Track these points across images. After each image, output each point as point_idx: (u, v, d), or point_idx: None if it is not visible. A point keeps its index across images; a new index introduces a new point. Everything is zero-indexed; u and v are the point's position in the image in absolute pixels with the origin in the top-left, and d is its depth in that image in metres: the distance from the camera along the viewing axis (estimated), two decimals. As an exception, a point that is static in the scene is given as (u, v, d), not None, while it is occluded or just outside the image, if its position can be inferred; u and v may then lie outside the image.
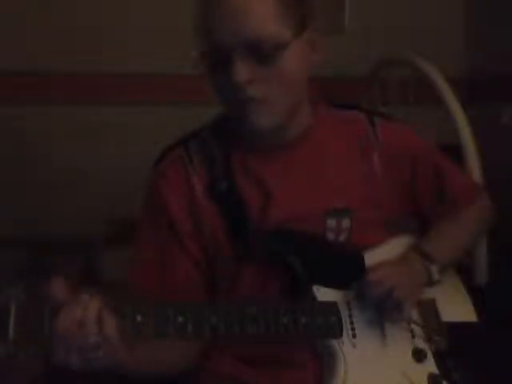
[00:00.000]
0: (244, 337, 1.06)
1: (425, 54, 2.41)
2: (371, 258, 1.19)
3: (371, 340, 1.14)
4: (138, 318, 0.98)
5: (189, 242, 1.16)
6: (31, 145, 2.75)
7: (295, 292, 1.13)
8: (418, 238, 1.27)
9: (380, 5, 3.00)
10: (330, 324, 1.11)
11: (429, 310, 1.21)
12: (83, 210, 2.75)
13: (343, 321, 1.12)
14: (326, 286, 1.13)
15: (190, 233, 1.16)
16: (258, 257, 1.14)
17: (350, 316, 1.13)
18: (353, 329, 1.13)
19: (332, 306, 1.12)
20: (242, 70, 1.06)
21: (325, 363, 1.13)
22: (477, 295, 1.30)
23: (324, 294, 1.13)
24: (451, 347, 1.17)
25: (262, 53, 1.06)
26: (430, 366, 1.16)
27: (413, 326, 1.18)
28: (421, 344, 1.17)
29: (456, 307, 1.25)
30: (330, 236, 1.18)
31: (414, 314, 1.19)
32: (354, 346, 1.12)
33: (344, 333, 1.12)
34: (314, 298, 1.12)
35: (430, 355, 1.16)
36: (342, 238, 1.18)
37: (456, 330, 1.20)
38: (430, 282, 1.19)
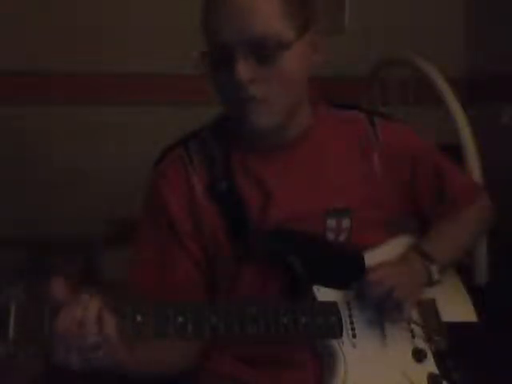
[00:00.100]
0: (244, 337, 1.06)
1: (425, 54, 2.41)
2: (371, 258, 1.19)
3: (371, 340, 1.14)
4: (138, 317, 0.98)
5: (189, 241, 1.16)
6: (31, 145, 2.75)
7: (295, 292, 1.13)
8: (417, 238, 1.27)
9: (380, 5, 3.00)
10: (329, 324, 1.11)
11: (429, 310, 1.21)
12: (83, 210, 2.75)
13: (343, 321, 1.12)
14: (326, 286, 1.13)
15: (190, 233, 1.16)
16: (258, 257, 1.14)
17: (350, 316, 1.13)
18: (353, 329, 1.13)
19: (332, 306, 1.12)
20: (245, 69, 1.06)
21: (325, 363, 1.13)
22: (477, 295, 1.30)
23: (324, 294, 1.13)
24: (451, 347, 1.17)
25: (265, 52, 1.07)
26: (430, 365, 1.16)
27: (413, 325, 1.18)
28: (421, 344, 1.17)
29: (456, 307, 1.25)
30: (330, 236, 1.18)
31: (414, 314, 1.19)
32: (353, 345, 1.12)
33: (344, 333, 1.12)
34: (314, 298, 1.12)
35: (429, 355, 1.16)
36: (341, 238, 1.18)
37: (456, 329, 1.20)
38: (430, 282, 1.19)
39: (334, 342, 1.11)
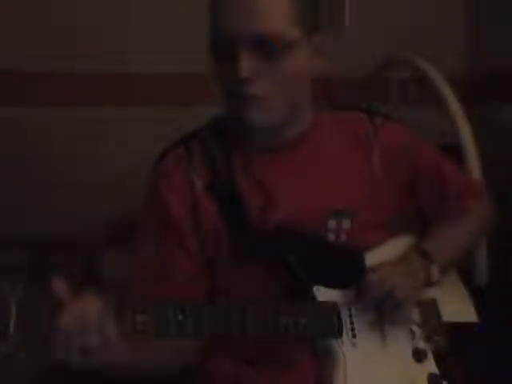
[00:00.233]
0: (244, 337, 1.06)
1: (425, 54, 2.41)
2: (371, 258, 1.19)
3: (371, 340, 1.14)
4: (138, 317, 0.98)
5: (189, 241, 1.16)
6: (31, 145, 2.75)
7: (295, 292, 1.13)
8: (418, 238, 1.27)
9: (380, 5, 3.00)
10: (329, 324, 1.11)
11: (429, 310, 1.21)
12: (83, 210, 2.75)
13: (343, 321, 1.12)
14: (326, 286, 1.13)
15: (189, 233, 1.16)
16: (258, 257, 1.14)
17: (350, 316, 1.13)
18: (353, 329, 1.13)
19: (332, 306, 1.12)
20: (248, 66, 1.06)
21: (325, 363, 1.13)
22: (477, 295, 1.30)
23: (324, 294, 1.13)
24: (451, 347, 1.18)
25: (269, 49, 1.07)
26: (430, 365, 1.16)
27: (413, 326, 1.18)
28: (421, 344, 1.17)
29: (456, 307, 1.25)
30: (331, 236, 1.18)
31: (415, 314, 1.19)
32: (354, 345, 1.12)
33: (344, 333, 1.12)
34: (313, 298, 1.12)
35: (430, 355, 1.16)
36: (342, 238, 1.18)
37: (456, 330, 1.20)
38: (430, 282, 1.19)
39: (334, 342, 1.11)
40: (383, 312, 1.14)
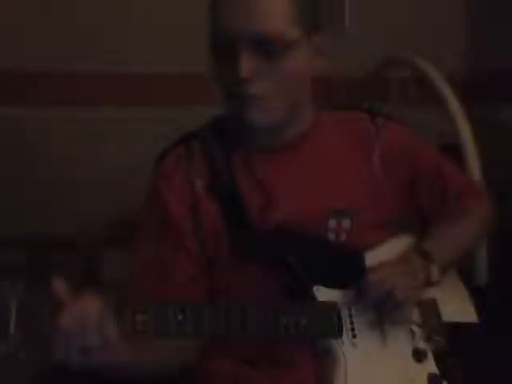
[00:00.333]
0: (244, 337, 1.06)
1: (425, 54, 2.41)
2: (372, 258, 1.19)
3: (371, 340, 1.14)
4: (138, 317, 0.98)
5: (189, 241, 1.16)
6: (31, 145, 2.75)
7: (295, 292, 1.13)
8: (418, 238, 1.27)
9: (380, 5, 3.00)
10: (329, 324, 1.11)
11: (429, 310, 1.21)
12: (83, 210, 2.75)
13: (343, 321, 1.12)
14: (326, 286, 1.13)
15: (190, 233, 1.16)
16: (258, 257, 1.14)
17: (350, 316, 1.13)
18: (353, 329, 1.13)
19: (332, 306, 1.12)
20: (248, 66, 1.06)
21: (325, 363, 1.13)
22: (477, 295, 1.30)
23: (324, 294, 1.13)
24: (451, 347, 1.17)
25: (269, 49, 1.07)
26: (430, 365, 1.16)
27: (413, 326, 1.18)
28: (421, 344, 1.17)
29: (456, 307, 1.25)
30: (331, 236, 1.18)
31: (415, 314, 1.19)
32: (354, 345, 1.12)
33: (344, 333, 1.12)
34: (314, 298, 1.12)
35: (430, 355, 1.16)
36: (342, 238, 1.18)
37: (456, 329, 1.20)
38: (430, 282, 1.19)
39: (334, 342, 1.11)
40: (383, 312, 1.14)
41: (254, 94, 1.09)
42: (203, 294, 1.17)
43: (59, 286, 0.94)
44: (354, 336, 1.12)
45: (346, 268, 1.17)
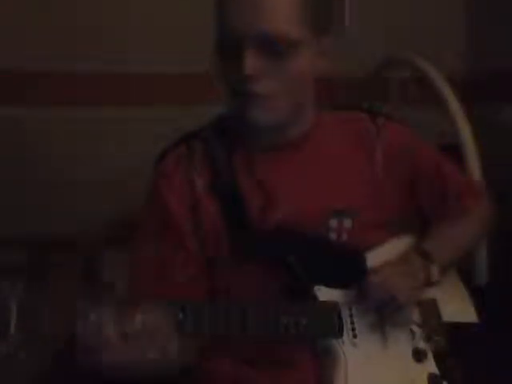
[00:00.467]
0: (244, 337, 1.06)
1: (425, 54, 2.41)
2: (372, 258, 1.19)
3: (372, 340, 1.14)
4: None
5: (189, 241, 1.16)
6: (31, 145, 2.75)
7: (295, 292, 1.13)
8: (418, 238, 1.27)
9: (380, 5, 3.00)
10: (330, 324, 1.11)
11: (429, 310, 1.21)
12: (83, 210, 2.75)
13: (344, 321, 1.12)
14: (327, 286, 1.13)
15: (190, 233, 1.16)
16: (258, 257, 1.14)
17: (351, 316, 1.13)
18: (353, 329, 1.13)
19: (333, 306, 1.12)
20: (253, 64, 1.06)
21: (325, 363, 1.13)
22: (477, 295, 1.30)
23: (325, 294, 1.13)
24: (451, 347, 1.17)
25: (275, 48, 1.07)
26: (430, 366, 1.16)
27: (413, 326, 1.18)
28: (421, 344, 1.17)
29: (456, 307, 1.25)
30: (332, 236, 1.18)
31: (415, 314, 1.19)
32: (354, 345, 1.12)
33: (345, 333, 1.12)
34: (314, 298, 1.12)
35: (430, 355, 1.16)
36: (343, 238, 1.18)
37: (456, 330, 1.20)
38: (430, 282, 1.19)
39: (335, 342, 1.11)
40: (384, 314, 1.14)
41: (258, 93, 1.09)
42: (203, 293, 1.17)
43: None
44: (355, 336, 1.12)
45: (346, 268, 1.17)
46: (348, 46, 2.88)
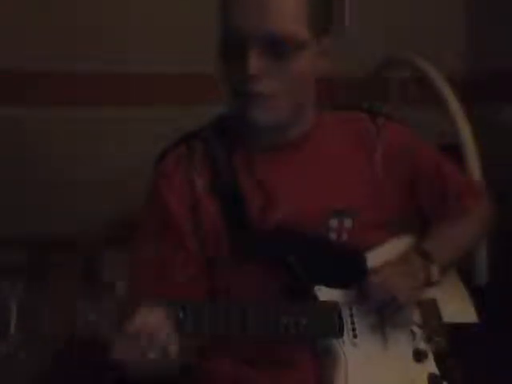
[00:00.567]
0: (244, 337, 1.06)
1: (425, 54, 2.41)
2: (372, 258, 1.19)
3: (372, 340, 1.14)
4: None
5: (189, 241, 1.16)
6: (31, 145, 2.75)
7: (295, 292, 1.13)
8: (418, 238, 1.27)
9: (380, 5, 3.00)
10: (330, 324, 1.11)
11: (429, 311, 1.21)
12: (83, 210, 2.75)
13: (344, 321, 1.12)
14: (328, 286, 1.13)
15: (189, 233, 1.16)
16: (258, 257, 1.14)
17: (351, 316, 1.13)
18: (354, 329, 1.13)
19: (333, 306, 1.12)
20: (257, 64, 1.06)
21: (325, 363, 1.13)
22: (477, 295, 1.30)
23: (326, 293, 1.13)
24: (451, 347, 1.17)
25: (281, 49, 1.07)
26: (431, 366, 1.16)
27: (413, 326, 1.18)
28: (421, 344, 1.17)
29: (456, 307, 1.25)
30: (333, 236, 1.18)
31: (415, 315, 1.19)
32: (354, 345, 1.12)
33: (345, 333, 1.12)
34: (315, 298, 1.12)
35: (430, 356, 1.16)
36: (343, 238, 1.18)
37: (456, 330, 1.20)
38: (430, 282, 1.19)
39: (335, 342, 1.11)
40: (385, 314, 1.14)
41: (260, 92, 1.09)
42: (203, 293, 1.17)
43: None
44: (355, 336, 1.12)
45: (346, 268, 1.17)
46: (348, 46, 2.88)
